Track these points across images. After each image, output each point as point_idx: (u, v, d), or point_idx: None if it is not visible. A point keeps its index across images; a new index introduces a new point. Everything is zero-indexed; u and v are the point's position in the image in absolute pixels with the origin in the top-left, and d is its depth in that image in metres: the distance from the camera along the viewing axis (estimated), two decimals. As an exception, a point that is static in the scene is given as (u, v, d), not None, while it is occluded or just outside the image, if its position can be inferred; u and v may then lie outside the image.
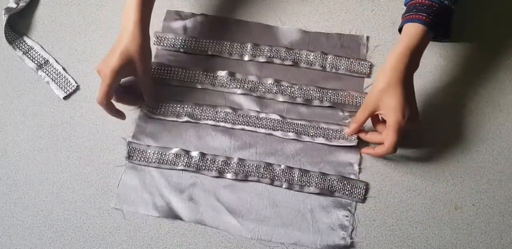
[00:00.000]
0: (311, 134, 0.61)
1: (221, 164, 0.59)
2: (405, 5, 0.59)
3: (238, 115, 0.61)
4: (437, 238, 0.57)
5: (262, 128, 0.61)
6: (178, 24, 0.68)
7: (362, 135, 0.59)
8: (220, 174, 0.59)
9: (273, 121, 0.61)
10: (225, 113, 0.62)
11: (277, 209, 0.57)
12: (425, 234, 0.57)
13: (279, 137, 0.61)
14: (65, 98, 0.64)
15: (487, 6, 0.68)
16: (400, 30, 0.58)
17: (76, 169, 0.60)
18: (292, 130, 0.61)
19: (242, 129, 0.61)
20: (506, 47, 0.66)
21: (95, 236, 0.57)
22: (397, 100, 0.53)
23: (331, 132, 0.61)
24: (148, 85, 0.59)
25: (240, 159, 0.59)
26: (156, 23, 0.68)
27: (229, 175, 0.59)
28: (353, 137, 0.60)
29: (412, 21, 0.55)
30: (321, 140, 0.60)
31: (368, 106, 0.55)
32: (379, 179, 0.59)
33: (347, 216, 0.57)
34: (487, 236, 0.57)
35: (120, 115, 0.58)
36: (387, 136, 0.53)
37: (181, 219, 0.57)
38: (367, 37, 0.67)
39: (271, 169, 0.59)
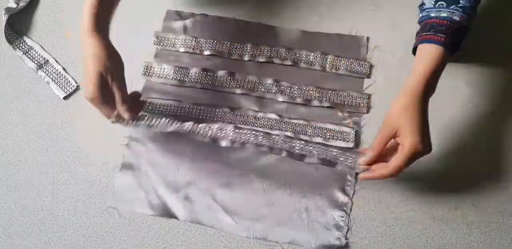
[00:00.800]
0: (309, 133, 0.61)
1: (216, 131, 0.57)
2: (419, 23, 0.56)
3: (236, 115, 0.62)
4: (437, 238, 0.57)
5: (260, 127, 0.61)
6: (178, 24, 0.68)
7: (364, 175, 0.52)
8: (214, 141, 0.56)
9: (271, 120, 0.61)
10: (223, 113, 0.62)
11: (273, 208, 0.58)
12: (425, 234, 0.57)
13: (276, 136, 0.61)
14: (65, 98, 0.64)
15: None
16: (414, 50, 0.55)
17: (76, 169, 0.60)
18: (290, 130, 0.61)
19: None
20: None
21: (95, 236, 0.57)
22: (416, 122, 0.48)
23: (329, 132, 0.61)
24: (120, 92, 0.52)
25: (236, 127, 0.57)
26: (156, 23, 0.68)
27: (224, 143, 0.56)
28: (351, 143, 0.60)
29: (429, 41, 0.52)
30: (318, 140, 0.60)
31: (386, 129, 0.50)
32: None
33: (342, 217, 0.57)
34: (487, 236, 0.57)
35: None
36: (396, 158, 0.48)
37: (176, 217, 0.57)
38: (367, 38, 0.67)
39: (269, 137, 0.57)
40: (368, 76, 0.64)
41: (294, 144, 0.56)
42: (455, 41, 0.52)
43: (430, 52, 0.51)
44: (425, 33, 0.53)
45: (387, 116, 0.51)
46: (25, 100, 0.64)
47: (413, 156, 0.48)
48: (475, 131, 0.62)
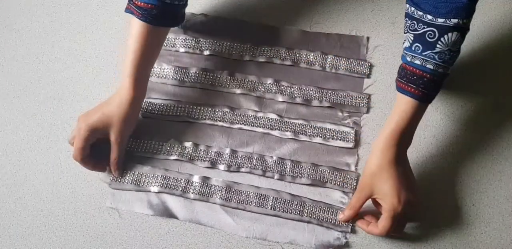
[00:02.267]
0: (309, 133, 0.61)
1: (214, 155, 0.59)
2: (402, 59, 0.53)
3: (236, 114, 0.62)
4: (437, 238, 0.57)
5: (260, 127, 0.61)
6: (178, 24, 0.68)
7: (361, 225, 0.54)
8: (213, 165, 0.59)
9: (270, 120, 0.61)
10: (223, 112, 0.62)
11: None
12: (425, 234, 0.57)
13: (276, 136, 0.61)
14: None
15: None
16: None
17: (76, 169, 0.60)
18: (289, 130, 0.61)
19: (240, 129, 0.61)
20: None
21: (95, 236, 0.57)
22: (390, 184, 0.50)
23: (329, 132, 0.61)
24: (117, 153, 0.56)
25: (232, 151, 0.60)
26: (156, 23, 0.68)
27: (221, 167, 0.59)
28: (351, 142, 0.60)
29: (403, 92, 0.51)
30: (318, 139, 0.60)
31: (362, 192, 0.53)
32: (379, 179, 0.59)
33: None
34: (487, 236, 0.57)
35: (100, 168, 0.58)
36: (381, 220, 0.51)
37: (176, 217, 0.57)
38: (367, 38, 0.67)
39: (263, 160, 0.59)
40: (368, 76, 0.64)
41: (286, 167, 0.59)
42: (430, 91, 0.50)
43: (405, 104, 0.50)
44: (400, 79, 0.51)
45: (363, 176, 0.53)
46: (25, 100, 0.64)
47: (394, 217, 0.50)
48: (475, 131, 0.62)
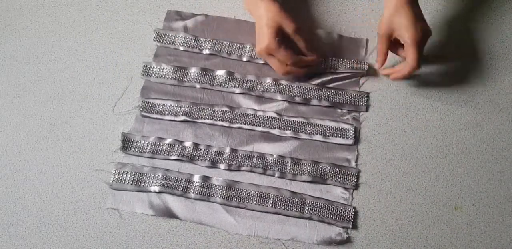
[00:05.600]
0: (309, 131, 0.61)
1: (214, 154, 0.60)
2: None
3: (236, 114, 0.62)
4: (437, 238, 0.57)
5: (260, 126, 0.61)
6: (178, 24, 0.68)
7: (389, 71, 0.62)
8: (213, 165, 0.59)
9: (270, 119, 0.61)
10: (222, 112, 0.62)
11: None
12: (425, 234, 0.57)
13: (276, 135, 0.61)
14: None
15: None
16: None
17: (76, 169, 0.60)
18: (289, 128, 0.61)
19: (240, 128, 0.61)
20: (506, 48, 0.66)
21: (95, 236, 0.57)
22: (407, 18, 0.55)
23: (328, 129, 0.61)
24: (303, 40, 0.60)
25: (232, 150, 0.60)
26: (156, 23, 0.68)
27: (222, 166, 0.59)
28: (351, 139, 0.60)
29: None
30: (318, 137, 0.60)
31: (384, 34, 0.58)
32: (378, 179, 0.59)
33: None
34: (487, 236, 0.57)
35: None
36: (407, 53, 0.56)
37: (177, 217, 0.57)
38: (367, 40, 0.67)
39: (263, 159, 0.59)
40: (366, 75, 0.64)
41: (286, 165, 0.59)
42: None
43: None
44: None
45: (382, 19, 0.58)
46: (25, 100, 0.64)
47: (418, 45, 0.56)
48: (475, 131, 0.62)
